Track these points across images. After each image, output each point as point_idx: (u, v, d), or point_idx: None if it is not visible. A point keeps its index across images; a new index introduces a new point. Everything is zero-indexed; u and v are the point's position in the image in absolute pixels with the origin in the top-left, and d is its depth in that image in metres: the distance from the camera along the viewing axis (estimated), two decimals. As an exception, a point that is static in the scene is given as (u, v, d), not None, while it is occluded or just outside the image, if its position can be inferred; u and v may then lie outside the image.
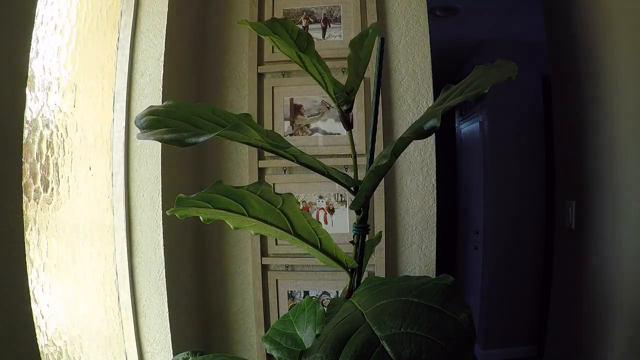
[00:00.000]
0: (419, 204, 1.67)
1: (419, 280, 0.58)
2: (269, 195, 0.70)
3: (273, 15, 1.74)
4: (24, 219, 0.97)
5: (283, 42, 0.79)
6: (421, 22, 1.69)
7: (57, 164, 1.20)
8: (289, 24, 0.85)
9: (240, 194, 0.70)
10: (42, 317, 1.10)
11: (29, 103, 1.08)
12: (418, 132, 0.55)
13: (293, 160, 0.70)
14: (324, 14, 1.72)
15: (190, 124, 0.65)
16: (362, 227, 0.82)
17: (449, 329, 0.48)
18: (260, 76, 1.75)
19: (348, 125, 0.88)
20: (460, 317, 0.48)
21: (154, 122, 0.62)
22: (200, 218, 0.75)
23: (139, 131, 0.64)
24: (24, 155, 1.03)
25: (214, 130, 0.66)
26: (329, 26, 1.72)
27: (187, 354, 1.01)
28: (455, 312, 0.49)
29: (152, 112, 0.65)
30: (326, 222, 1.69)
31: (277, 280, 1.73)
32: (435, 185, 1.67)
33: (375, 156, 0.84)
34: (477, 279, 3.96)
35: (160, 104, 1.45)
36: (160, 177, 1.47)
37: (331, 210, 1.70)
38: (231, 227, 0.77)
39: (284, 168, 1.72)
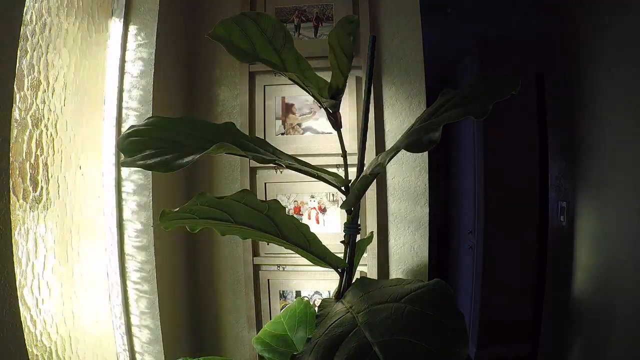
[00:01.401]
0: (411, 204, 1.66)
1: (412, 285, 0.58)
2: (254, 202, 0.70)
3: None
4: (13, 219, 0.96)
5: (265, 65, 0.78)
6: (414, 21, 1.68)
7: (46, 163, 1.18)
8: (263, 20, 0.81)
9: (225, 203, 0.69)
10: (31, 318, 1.09)
11: (18, 102, 1.07)
12: (417, 144, 0.54)
13: (282, 166, 0.70)
14: (316, 12, 1.72)
15: (174, 142, 0.64)
16: (353, 227, 0.82)
17: (442, 336, 0.47)
18: (252, 75, 1.74)
19: (337, 125, 0.87)
20: (453, 324, 0.48)
21: (137, 144, 0.61)
22: (187, 227, 0.75)
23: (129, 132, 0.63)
24: (12, 155, 1.02)
25: (198, 144, 0.65)
26: (321, 25, 1.72)
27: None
28: (448, 319, 0.48)
29: (134, 132, 0.63)
30: (318, 222, 1.69)
31: (268, 280, 1.72)
32: (427, 185, 1.66)
33: (365, 155, 0.83)
34: (472, 278, 3.97)
35: (148, 112, 1.45)
36: (151, 177, 1.46)
37: (323, 210, 1.69)
38: (219, 234, 0.77)
39: (275, 167, 1.71)
